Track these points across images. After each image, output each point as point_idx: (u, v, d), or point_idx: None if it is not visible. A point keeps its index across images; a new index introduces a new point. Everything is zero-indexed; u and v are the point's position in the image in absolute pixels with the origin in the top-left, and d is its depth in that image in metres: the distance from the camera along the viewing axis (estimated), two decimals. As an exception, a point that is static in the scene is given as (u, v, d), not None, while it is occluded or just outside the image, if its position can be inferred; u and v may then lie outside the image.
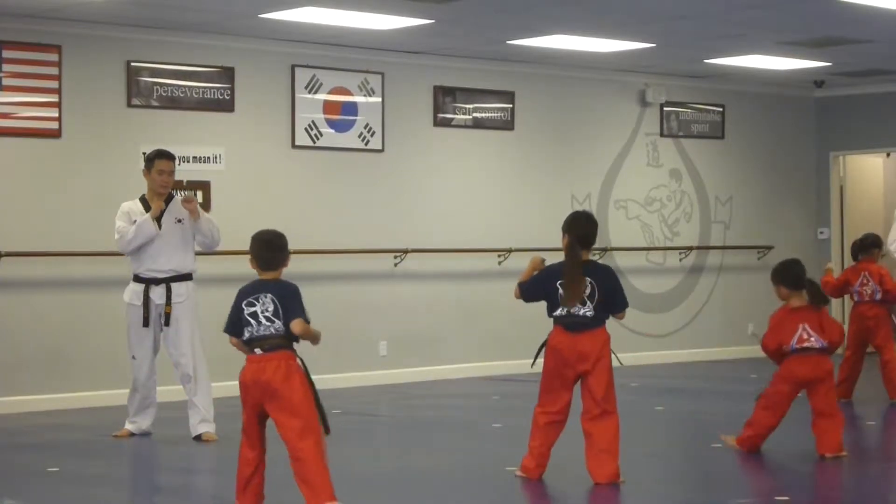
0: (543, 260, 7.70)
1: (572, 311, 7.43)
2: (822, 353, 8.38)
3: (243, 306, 6.63)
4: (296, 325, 6.56)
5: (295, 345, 6.63)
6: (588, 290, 7.41)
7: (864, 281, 11.20)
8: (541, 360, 7.63)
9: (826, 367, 8.40)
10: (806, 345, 8.33)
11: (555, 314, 7.51)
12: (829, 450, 8.29)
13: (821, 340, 8.35)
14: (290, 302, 6.59)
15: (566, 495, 7.45)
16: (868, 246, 11.35)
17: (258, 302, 6.60)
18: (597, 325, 7.47)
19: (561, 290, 7.43)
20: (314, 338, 6.62)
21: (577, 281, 7.40)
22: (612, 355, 7.55)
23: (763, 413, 8.43)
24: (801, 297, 8.46)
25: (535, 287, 7.59)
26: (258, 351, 6.60)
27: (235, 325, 6.65)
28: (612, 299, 7.50)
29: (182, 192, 11.07)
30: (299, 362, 6.62)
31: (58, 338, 11.04)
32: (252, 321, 6.59)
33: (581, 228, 7.55)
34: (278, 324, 6.56)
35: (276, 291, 6.61)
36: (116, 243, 9.36)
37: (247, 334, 6.61)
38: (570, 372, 7.49)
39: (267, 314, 6.57)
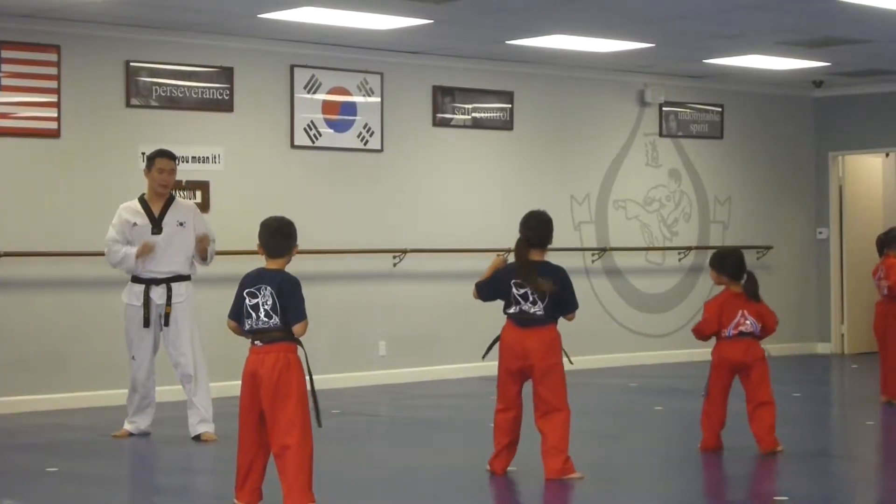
0: (505, 259, 7.89)
1: (524, 308, 7.63)
2: (755, 339, 8.57)
3: (245, 296, 6.64)
4: (299, 329, 6.59)
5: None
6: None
7: (881, 276, 11.18)
8: (492, 360, 7.90)
9: (758, 353, 8.57)
10: (742, 329, 8.52)
11: (508, 311, 7.73)
12: (766, 445, 8.45)
13: (756, 325, 8.53)
14: (290, 300, 6.59)
15: (561, 496, 7.45)
16: (892, 240, 11.25)
17: (259, 294, 6.61)
18: (545, 323, 7.66)
19: (514, 290, 7.65)
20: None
21: (531, 278, 7.59)
22: (564, 355, 7.73)
23: (709, 408, 8.64)
24: (739, 286, 8.65)
25: (491, 287, 7.81)
26: (258, 343, 6.62)
27: (238, 312, 6.68)
28: (563, 300, 7.68)
29: (181, 192, 11.09)
30: (300, 354, 6.64)
31: (57, 338, 11.04)
32: (252, 313, 6.61)
33: (529, 229, 7.76)
34: (276, 319, 6.57)
35: (276, 285, 6.60)
36: (105, 252, 9.38)
37: (247, 325, 6.63)
38: (515, 364, 7.69)
39: (266, 308, 6.58)
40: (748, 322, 8.51)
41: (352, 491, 7.43)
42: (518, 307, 7.67)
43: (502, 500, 7.48)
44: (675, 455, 8.89)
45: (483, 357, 8.00)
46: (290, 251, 6.75)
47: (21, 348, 10.88)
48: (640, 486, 7.78)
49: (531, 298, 7.63)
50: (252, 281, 6.67)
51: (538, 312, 7.63)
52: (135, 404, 9.46)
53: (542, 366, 7.63)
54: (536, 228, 7.75)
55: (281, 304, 6.57)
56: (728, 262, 8.65)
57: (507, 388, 7.77)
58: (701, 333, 8.69)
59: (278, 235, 6.73)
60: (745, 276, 8.64)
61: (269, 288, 6.59)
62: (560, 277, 7.68)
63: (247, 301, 6.63)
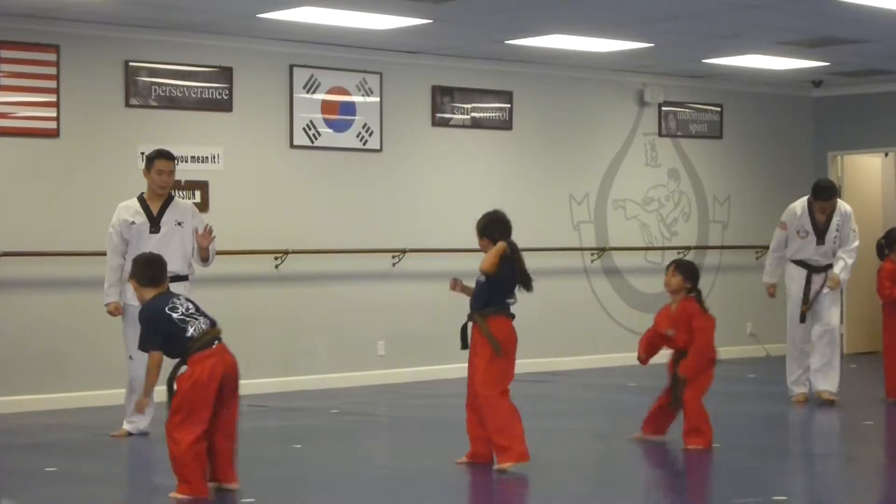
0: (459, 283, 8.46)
1: (511, 301, 8.10)
2: None
3: (168, 313, 7.12)
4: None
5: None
6: None
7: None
8: None
9: None
10: None
11: (509, 302, 8.13)
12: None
13: None
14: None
15: (560, 495, 7.45)
16: (892, 242, 11.19)
17: (179, 305, 7.18)
18: None
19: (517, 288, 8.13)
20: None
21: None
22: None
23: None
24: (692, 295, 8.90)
25: (508, 286, 8.22)
26: (216, 343, 7.12)
27: (166, 335, 7.17)
28: None
29: (180, 192, 11.08)
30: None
31: (55, 338, 11.03)
32: (189, 319, 7.11)
33: (507, 230, 8.28)
34: (206, 318, 7.19)
35: (184, 297, 7.40)
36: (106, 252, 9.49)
37: (190, 332, 7.08)
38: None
39: (192, 311, 7.17)
40: None
41: (350, 491, 7.43)
42: (513, 301, 8.06)
43: (501, 499, 7.48)
44: (674, 454, 8.88)
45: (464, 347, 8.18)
46: (166, 280, 7.38)
47: (21, 348, 10.88)
48: (640, 486, 7.78)
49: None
50: (161, 302, 7.15)
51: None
52: (133, 404, 9.46)
53: None
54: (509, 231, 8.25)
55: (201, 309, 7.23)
56: (692, 271, 8.90)
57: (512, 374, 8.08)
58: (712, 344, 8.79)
59: (154, 263, 7.39)
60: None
61: (182, 297, 7.26)
62: None
63: (174, 315, 7.08)
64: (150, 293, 7.21)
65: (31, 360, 10.92)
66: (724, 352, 15.13)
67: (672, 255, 15.04)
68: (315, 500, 7.12)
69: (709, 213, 15.47)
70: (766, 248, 15.47)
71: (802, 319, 10.85)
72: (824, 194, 10.82)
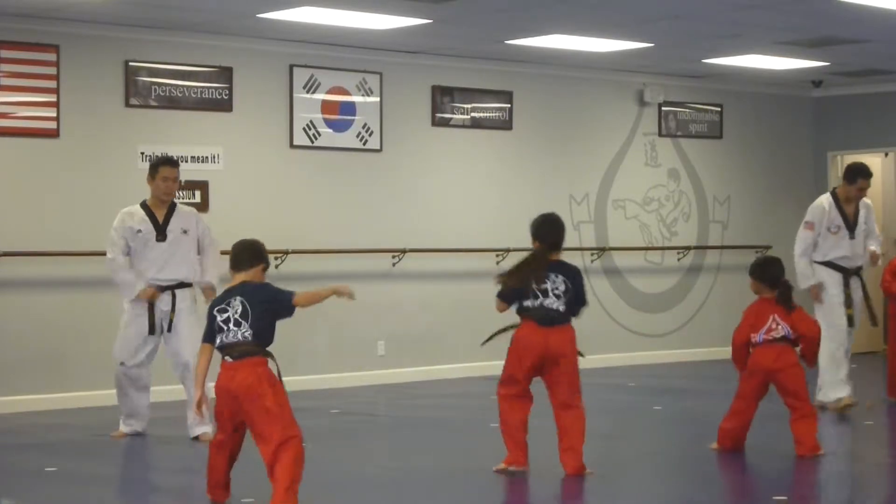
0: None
1: (546, 303, 7.71)
2: (787, 344, 8.45)
3: (215, 314, 6.78)
4: (300, 299, 6.83)
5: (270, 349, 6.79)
6: (562, 287, 7.74)
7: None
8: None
9: (790, 358, 8.42)
10: (774, 334, 8.42)
11: (527, 305, 7.75)
12: (806, 450, 8.36)
13: (787, 328, 8.42)
14: (270, 295, 6.78)
15: (560, 495, 7.45)
16: None
17: (229, 307, 6.75)
18: (566, 321, 7.80)
19: (535, 285, 7.71)
20: (322, 296, 7.04)
21: (528, 270, 7.75)
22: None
23: (736, 408, 8.53)
24: (772, 293, 8.62)
25: (515, 292, 7.81)
26: (228, 358, 6.73)
27: (211, 333, 6.80)
28: (578, 297, 7.84)
29: (180, 192, 11.08)
30: (272, 366, 6.75)
31: (55, 338, 11.03)
32: (224, 327, 6.74)
33: (549, 234, 7.86)
34: (245, 327, 6.69)
35: (243, 292, 6.77)
36: (105, 261, 9.41)
37: (218, 341, 6.76)
38: (535, 362, 7.75)
39: (236, 317, 6.72)
40: (780, 327, 8.45)
41: (350, 491, 7.43)
42: (539, 301, 7.71)
43: (501, 500, 7.48)
44: (675, 455, 8.89)
45: (482, 344, 8.08)
46: (256, 265, 6.88)
47: (20, 348, 10.88)
48: (639, 486, 7.78)
49: (553, 294, 7.72)
50: (219, 300, 6.83)
51: (560, 308, 7.73)
52: (125, 405, 9.49)
53: (566, 361, 7.75)
54: (557, 233, 7.88)
55: (256, 308, 6.69)
56: (768, 272, 8.64)
57: (522, 381, 7.80)
58: (733, 340, 8.65)
59: (246, 250, 6.92)
60: (779, 285, 8.66)
61: (238, 297, 6.73)
62: (577, 274, 7.86)
63: (218, 318, 6.75)
64: (235, 279, 6.88)
65: (31, 360, 10.93)
66: (724, 352, 15.25)
67: (672, 255, 15.06)
68: (315, 500, 7.11)
69: (709, 213, 15.47)
70: (767, 248, 15.59)
71: (851, 323, 10.53)
72: (864, 173, 10.64)
